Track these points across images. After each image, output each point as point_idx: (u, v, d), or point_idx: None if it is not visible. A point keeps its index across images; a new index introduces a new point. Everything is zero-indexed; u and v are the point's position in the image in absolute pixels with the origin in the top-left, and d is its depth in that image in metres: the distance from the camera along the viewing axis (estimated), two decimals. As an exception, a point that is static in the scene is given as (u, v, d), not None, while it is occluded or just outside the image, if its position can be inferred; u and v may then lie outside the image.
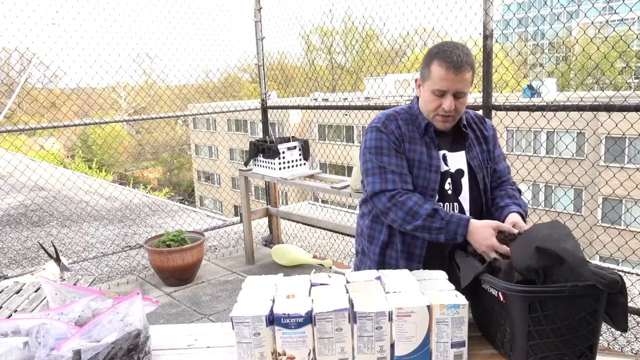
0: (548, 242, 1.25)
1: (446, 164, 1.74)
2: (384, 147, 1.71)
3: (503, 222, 1.61)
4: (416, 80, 1.76)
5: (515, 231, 1.52)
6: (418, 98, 1.78)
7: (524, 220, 1.64)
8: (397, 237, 1.75)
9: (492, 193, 1.82)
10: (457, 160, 1.76)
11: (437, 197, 1.71)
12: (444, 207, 1.72)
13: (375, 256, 1.80)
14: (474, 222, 1.55)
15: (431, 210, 1.58)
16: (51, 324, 1.19)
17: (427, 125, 1.73)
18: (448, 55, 1.59)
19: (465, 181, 1.75)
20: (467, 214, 1.74)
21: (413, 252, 1.74)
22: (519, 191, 1.84)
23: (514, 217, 1.63)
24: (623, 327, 1.26)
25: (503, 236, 1.51)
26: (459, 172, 1.75)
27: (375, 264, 1.80)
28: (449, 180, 1.74)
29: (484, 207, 1.79)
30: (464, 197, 1.75)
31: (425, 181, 1.70)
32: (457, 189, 1.74)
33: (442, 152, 1.75)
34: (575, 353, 1.24)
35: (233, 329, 1.24)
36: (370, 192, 1.70)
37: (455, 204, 1.74)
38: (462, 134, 1.78)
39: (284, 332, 1.24)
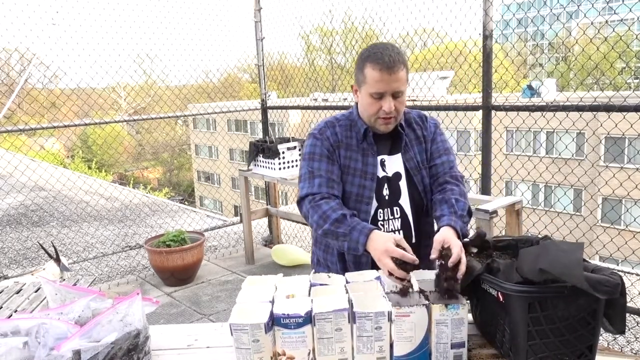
0: (554, 266, 1.19)
1: (384, 169, 1.73)
2: (316, 152, 1.72)
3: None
4: (352, 86, 1.75)
5: (411, 258, 1.40)
6: (357, 104, 1.76)
7: (458, 234, 1.49)
8: None
9: (434, 192, 1.74)
10: (394, 164, 1.74)
11: (375, 204, 1.70)
12: (383, 212, 1.71)
13: (334, 265, 1.76)
14: (377, 232, 1.50)
15: (340, 216, 1.55)
16: (51, 323, 1.19)
17: (366, 131, 1.72)
18: (380, 57, 1.59)
19: (403, 184, 1.73)
20: (409, 216, 1.72)
21: (360, 261, 1.70)
22: (459, 183, 1.72)
23: (443, 234, 1.47)
24: (621, 329, 1.26)
25: (399, 261, 1.40)
26: (397, 176, 1.74)
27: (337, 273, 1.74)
28: (386, 185, 1.72)
29: (426, 208, 1.76)
30: (404, 201, 1.73)
31: (360, 189, 1.70)
32: (395, 193, 1.73)
33: (380, 157, 1.73)
34: (574, 353, 1.24)
35: (232, 335, 1.24)
36: (298, 196, 1.70)
37: (396, 208, 1.72)
38: (399, 136, 1.75)
39: (284, 332, 1.24)
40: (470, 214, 1.66)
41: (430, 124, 1.83)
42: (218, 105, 6.45)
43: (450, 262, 1.35)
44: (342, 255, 1.74)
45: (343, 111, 1.83)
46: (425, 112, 1.88)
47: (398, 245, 1.43)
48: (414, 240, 1.71)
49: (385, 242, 1.44)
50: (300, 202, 1.69)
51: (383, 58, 1.58)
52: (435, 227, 1.60)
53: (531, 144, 14.13)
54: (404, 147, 1.74)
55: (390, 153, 1.74)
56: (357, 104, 1.77)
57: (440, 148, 1.79)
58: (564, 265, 1.19)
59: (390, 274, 1.40)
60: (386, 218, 1.71)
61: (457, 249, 1.39)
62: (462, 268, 1.35)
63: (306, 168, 1.72)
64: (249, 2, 5.03)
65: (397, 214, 1.72)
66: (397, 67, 1.59)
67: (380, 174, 1.72)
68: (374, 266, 1.58)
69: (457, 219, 1.55)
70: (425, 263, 1.51)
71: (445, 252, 1.39)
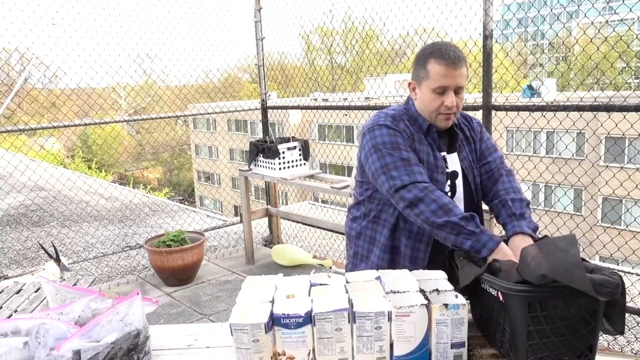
0: (556, 272, 1.18)
1: (446, 166, 1.75)
2: (399, 142, 1.66)
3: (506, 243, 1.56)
4: (409, 83, 1.75)
5: None
6: (412, 101, 1.77)
7: (529, 235, 1.57)
8: (401, 241, 1.72)
9: (490, 194, 1.79)
10: (452, 162, 1.76)
11: None
12: None
13: (377, 258, 1.76)
14: (504, 245, 1.51)
15: (468, 215, 1.53)
16: (51, 324, 1.19)
17: (430, 127, 1.72)
18: (445, 52, 1.61)
19: (459, 182, 1.75)
20: None
21: (417, 256, 1.71)
22: (512, 177, 1.79)
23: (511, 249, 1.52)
24: (620, 329, 1.26)
25: None
26: (454, 174, 1.75)
27: (376, 267, 1.75)
28: (448, 182, 1.74)
29: (475, 207, 1.79)
30: (459, 199, 1.74)
31: (434, 183, 1.68)
32: (453, 190, 1.75)
33: (442, 154, 1.75)
34: (575, 353, 1.24)
35: (232, 335, 1.24)
36: (397, 185, 1.60)
37: None
38: (454, 135, 1.78)
39: (284, 332, 1.24)
40: (528, 204, 1.71)
41: (475, 124, 1.88)
42: (218, 105, 6.45)
43: None
44: (394, 247, 1.73)
45: (394, 107, 1.81)
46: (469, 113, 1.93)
47: None
48: None
49: (512, 257, 1.43)
50: (401, 190, 1.59)
51: (448, 53, 1.61)
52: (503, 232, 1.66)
53: (531, 144, 14.12)
54: (458, 147, 1.77)
55: (448, 151, 1.77)
56: (409, 99, 1.78)
57: (489, 146, 1.86)
58: (565, 269, 1.18)
59: None
60: None
61: None
62: None
63: (396, 156, 1.63)
64: (249, 2, 5.03)
65: None
66: (461, 62, 1.62)
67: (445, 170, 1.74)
68: (430, 263, 1.66)
69: (518, 222, 1.61)
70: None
71: None
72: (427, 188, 1.59)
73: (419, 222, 1.59)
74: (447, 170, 1.74)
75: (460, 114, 1.87)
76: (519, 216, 1.63)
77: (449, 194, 1.73)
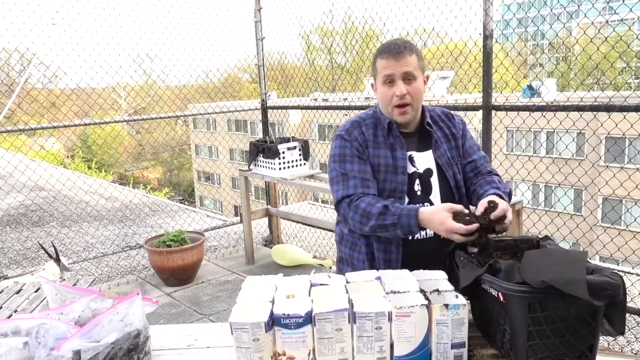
0: (557, 281, 1.17)
1: (414, 165, 1.74)
2: (346, 154, 1.72)
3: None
4: (372, 85, 1.79)
5: (466, 211, 1.49)
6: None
7: (504, 199, 1.59)
8: (374, 245, 1.74)
9: (471, 185, 1.80)
10: (425, 160, 1.75)
11: (406, 199, 1.71)
12: None
13: (360, 263, 1.78)
14: (425, 210, 1.53)
15: (382, 208, 1.58)
16: (51, 324, 1.19)
17: (390, 124, 1.73)
18: (386, 46, 1.68)
19: (434, 180, 1.75)
20: None
21: (390, 259, 1.72)
22: (498, 176, 1.80)
23: (491, 197, 1.56)
24: (620, 330, 1.25)
25: (461, 218, 1.47)
26: (428, 172, 1.75)
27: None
28: (417, 181, 1.73)
29: (457, 204, 1.79)
30: (435, 196, 1.74)
31: (392, 184, 1.70)
32: (427, 188, 1.74)
33: (409, 153, 1.74)
34: (575, 353, 1.24)
35: (232, 334, 1.24)
36: (335, 200, 1.71)
37: (427, 203, 1.73)
38: (428, 133, 1.77)
39: (284, 332, 1.23)
40: (510, 197, 1.73)
41: (457, 121, 1.87)
42: (218, 105, 6.45)
43: (494, 216, 1.46)
44: (371, 253, 1.75)
45: (366, 110, 1.85)
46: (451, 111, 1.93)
47: (455, 213, 1.48)
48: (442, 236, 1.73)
49: (441, 222, 1.47)
50: (337, 205, 1.71)
51: (389, 47, 1.66)
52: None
53: (531, 144, 14.11)
54: (434, 144, 1.76)
55: (419, 150, 1.76)
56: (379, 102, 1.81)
57: (472, 145, 1.86)
58: (567, 280, 1.17)
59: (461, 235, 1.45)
60: None
61: (503, 205, 1.48)
62: (506, 224, 1.47)
63: (338, 170, 1.73)
64: (249, 2, 5.03)
65: None
66: (403, 52, 1.63)
67: (410, 169, 1.73)
68: (405, 264, 1.64)
69: (502, 194, 1.63)
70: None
71: (491, 206, 1.48)
72: (352, 201, 1.65)
73: (358, 232, 1.69)
74: (415, 170, 1.73)
75: (440, 111, 1.86)
76: (503, 193, 1.65)
77: (419, 193, 1.73)
